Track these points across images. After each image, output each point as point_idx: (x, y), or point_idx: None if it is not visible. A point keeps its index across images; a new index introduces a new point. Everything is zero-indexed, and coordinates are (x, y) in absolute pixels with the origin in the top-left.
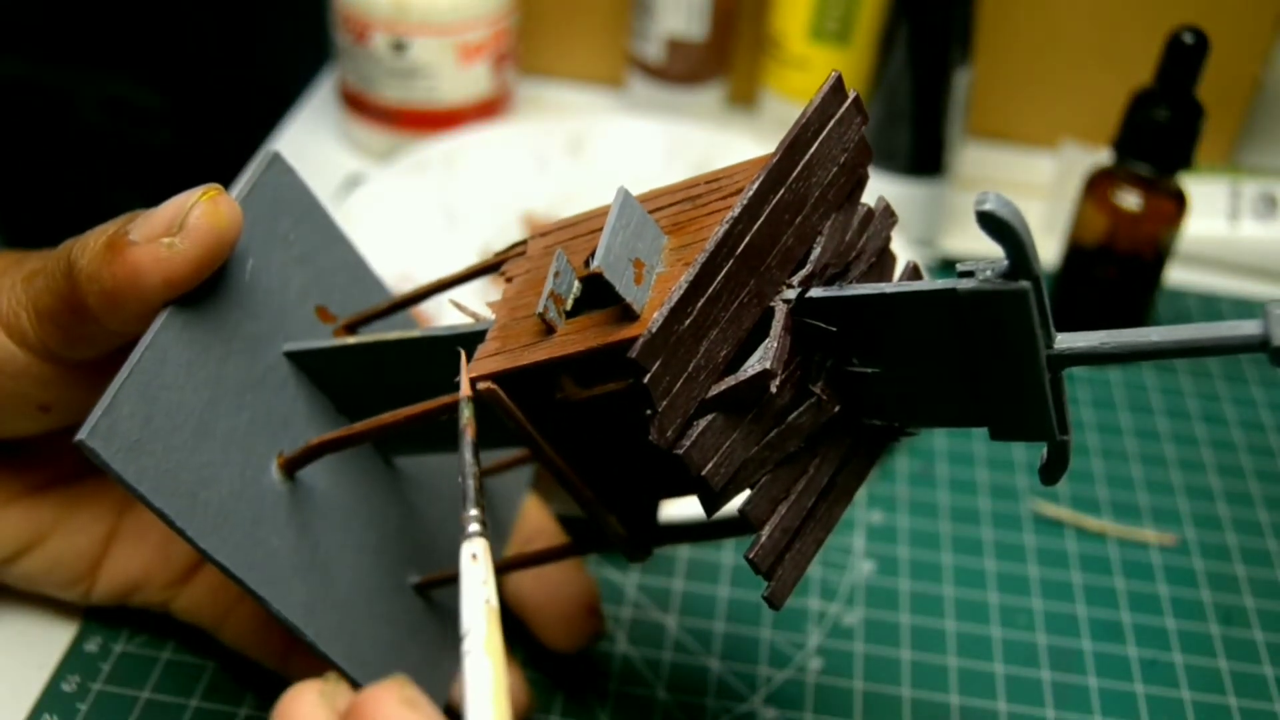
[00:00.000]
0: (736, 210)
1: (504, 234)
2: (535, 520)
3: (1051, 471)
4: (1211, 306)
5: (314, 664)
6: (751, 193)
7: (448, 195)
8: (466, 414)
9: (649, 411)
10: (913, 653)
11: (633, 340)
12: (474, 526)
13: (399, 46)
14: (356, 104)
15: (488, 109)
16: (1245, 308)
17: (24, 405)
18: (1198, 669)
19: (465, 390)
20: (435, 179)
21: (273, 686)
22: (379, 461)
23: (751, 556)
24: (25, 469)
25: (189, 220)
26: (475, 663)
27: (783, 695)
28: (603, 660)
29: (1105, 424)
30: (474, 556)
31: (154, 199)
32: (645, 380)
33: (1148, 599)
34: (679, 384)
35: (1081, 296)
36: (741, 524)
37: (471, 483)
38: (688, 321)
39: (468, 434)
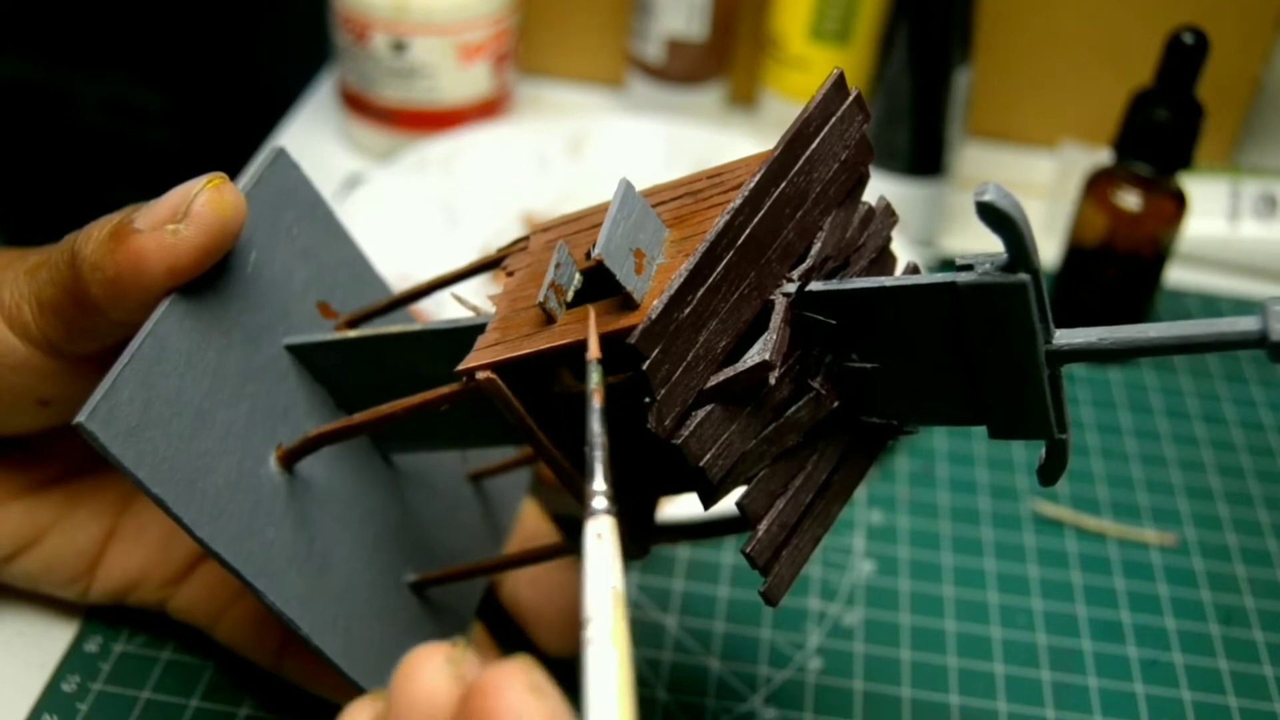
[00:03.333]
0: (737, 201)
1: (504, 234)
2: (533, 525)
3: (1050, 471)
4: (1211, 307)
5: (309, 663)
6: (753, 185)
7: (448, 195)
8: (595, 378)
9: (647, 399)
10: (913, 653)
11: (632, 328)
12: (600, 502)
13: (399, 46)
14: (356, 104)
15: (488, 109)
16: (1245, 308)
17: (24, 399)
18: (1198, 669)
19: (594, 352)
20: (435, 179)
21: (273, 687)
22: (378, 459)
23: (748, 551)
24: (24, 466)
25: (193, 207)
26: (599, 654)
27: (783, 695)
28: None
29: (1105, 424)
30: (599, 536)
31: (155, 198)
32: (644, 367)
33: (1148, 599)
34: (678, 373)
35: (1081, 296)
36: (738, 522)
37: (599, 454)
38: (687, 311)
39: (595, 400)
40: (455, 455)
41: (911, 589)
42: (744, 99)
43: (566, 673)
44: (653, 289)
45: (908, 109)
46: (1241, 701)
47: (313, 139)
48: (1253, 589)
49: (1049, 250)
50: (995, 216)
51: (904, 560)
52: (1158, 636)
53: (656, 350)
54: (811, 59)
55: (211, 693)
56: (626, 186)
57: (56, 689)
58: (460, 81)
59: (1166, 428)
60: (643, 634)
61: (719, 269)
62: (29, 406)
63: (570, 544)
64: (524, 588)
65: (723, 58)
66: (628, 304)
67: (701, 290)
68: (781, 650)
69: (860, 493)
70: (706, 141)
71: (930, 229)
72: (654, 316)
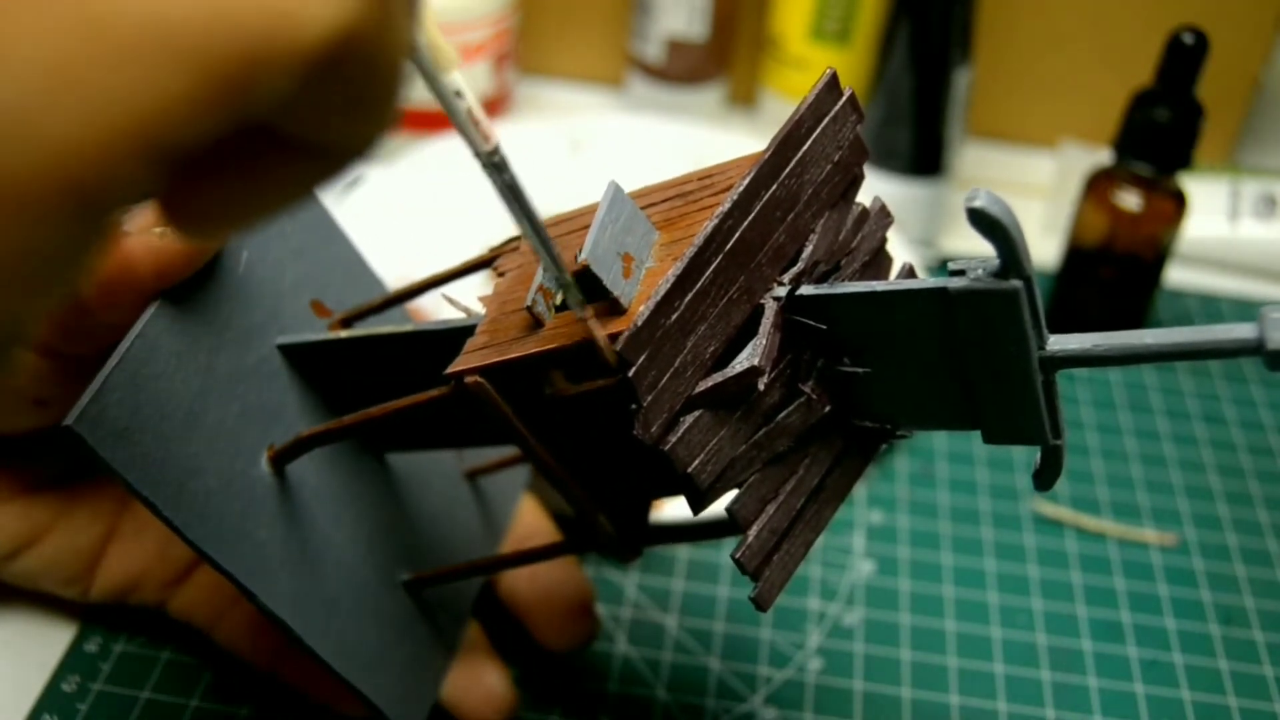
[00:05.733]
0: (726, 205)
1: (504, 234)
2: (531, 521)
3: (1045, 477)
4: (1211, 307)
5: (306, 667)
6: (742, 188)
7: (448, 195)
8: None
9: (634, 406)
10: (913, 653)
11: (618, 334)
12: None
13: None
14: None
15: (488, 109)
16: (1245, 308)
17: (21, 400)
18: (1198, 669)
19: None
20: (435, 179)
21: (274, 688)
22: (371, 459)
23: (738, 557)
24: (23, 466)
25: None
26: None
27: (783, 695)
28: (603, 660)
29: (1105, 424)
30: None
31: None
32: (630, 374)
33: (1148, 599)
34: (665, 379)
35: (1081, 297)
36: (731, 524)
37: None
38: (674, 316)
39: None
40: (451, 453)
41: (911, 589)
42: (744, 99)
43: (570, 670)
44: (641, 293)
45: (908, 109)
46: (1241, 701)
47: None
48: (1253, 589)
49: (1049, 250)
50: (986, 223)
51: (904, 560)
52: (1158, 636)
53: (643, 357)
54: (811, 59)
55: (211, 693)
56: (615, 189)
57: (56, 689)
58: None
59: (1166, 428)
60: (643, 634)
61: (707, 273)
62: (26, 407)
63: (566, 542)
64: (522, 582)
65: (723, 58)
66: (615, 309)
67: (689, 295)
68: (781, 650)
69: (860, 493)
70: (706, 141)
71: (930, 229)
72: (639, 323)
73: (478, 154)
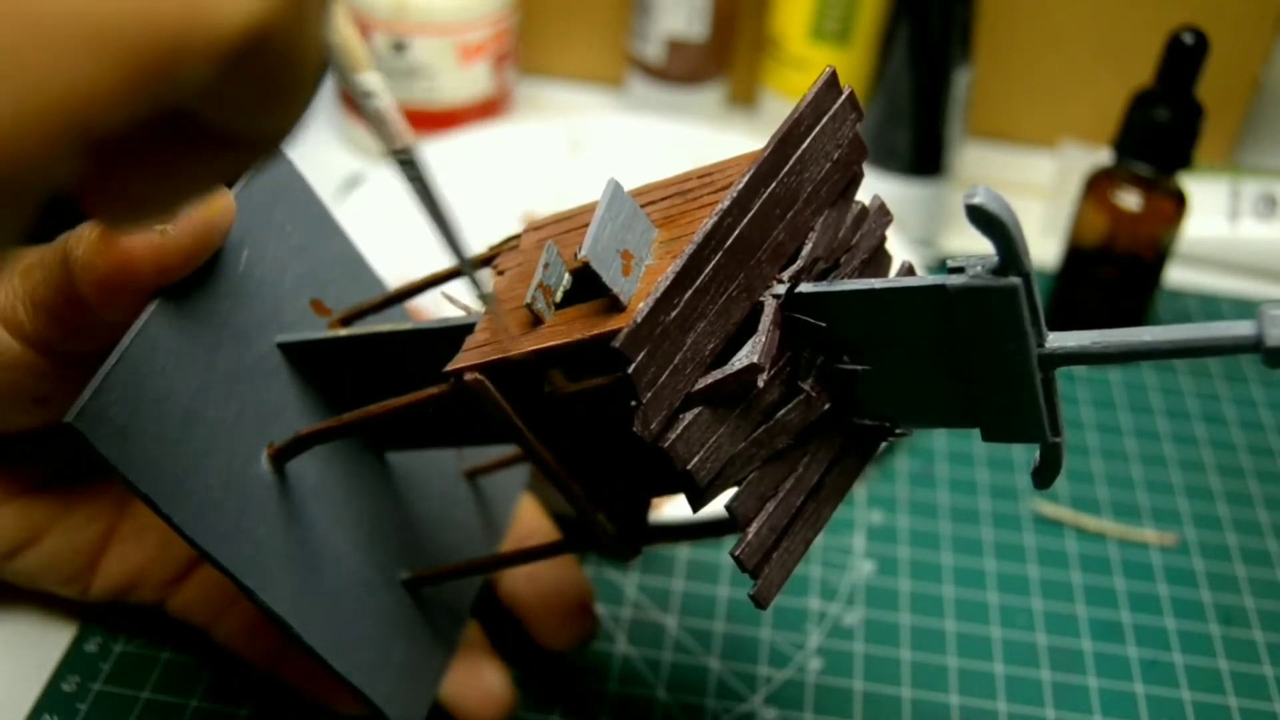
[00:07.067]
0: (726, 203)
1: (504, 234)
2: (531, 521)
3: (1044, 475)
4: (1211, 306)
5: (305, 666)
6: (742, 185)
7: (448, 195)
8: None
9: (634, 403)
10: (913, 653)
11: (618, 331)
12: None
13: (399, 46)
14: (356, 104)
15: (488, 109)
16: (1245, 308)
17: (21, 398)
18: (1198, 669)
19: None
20: (435, 179)
21: (273, 687)
22: (371, 457)
23: (737, 554)
24: (24, 465)
25: None
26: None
27: (783, 695)
28: (603, 660)
29: (1105, 424)
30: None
31: None
32: (630, 371)
33: (1148, 599)
34: (664, 376)
35: (1081, 297)
36: (731, 522)
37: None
38: (674, 313)
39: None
40: (451, 452)
41: (911, 589)
42: (744, 99)
43: (570, 670)
44: (640, 291)
45: (908, 109)
46: (1241, 701)
47: (312, 139)
48: (1253, 589)
49: (1049, 250)
50: (985, 219)
51: (904, 560)
52: (1158, 636)
53: (642, 354)
54: (811, 59)
55: (211, 694)
56: (615, 187)
57: (56, 689)
58: (460, 81)
59: (1166, 428)
60: (643, 634)
61: (707, 271)
62: (26, 405)
63: (565, 541)
64: (522, 583)
65: (723, 58)
66: (614, 306)
67: (689, 292)
68: (781, 650)
69: (860, 493)
70: (706, 141)
71: (930, 229)
72: (639, 320)
73: (388, 151)
